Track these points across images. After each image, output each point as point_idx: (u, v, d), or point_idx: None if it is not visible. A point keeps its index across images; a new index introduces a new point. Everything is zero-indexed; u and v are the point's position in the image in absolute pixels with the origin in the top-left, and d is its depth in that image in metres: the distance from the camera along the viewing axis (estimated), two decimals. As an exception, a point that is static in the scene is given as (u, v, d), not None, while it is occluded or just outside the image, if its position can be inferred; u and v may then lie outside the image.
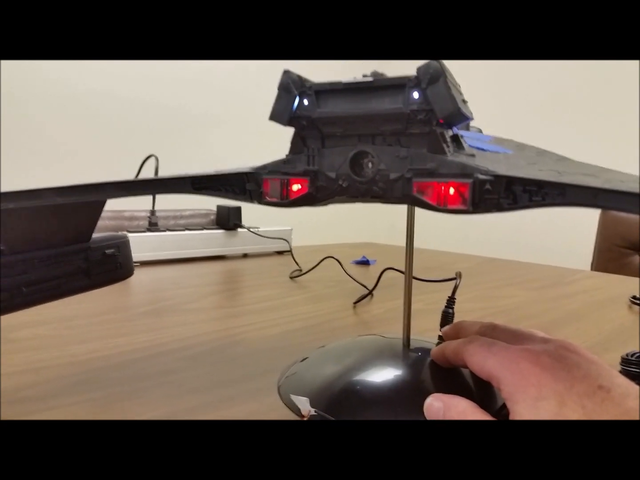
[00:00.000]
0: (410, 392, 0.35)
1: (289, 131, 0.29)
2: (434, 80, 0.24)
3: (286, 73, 0.27)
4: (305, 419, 0.32)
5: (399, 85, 0.25)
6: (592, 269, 1.51)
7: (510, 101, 2.23)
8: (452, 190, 0.24)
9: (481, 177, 0.24)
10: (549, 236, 2.07)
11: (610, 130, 1.91)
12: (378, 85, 0.25)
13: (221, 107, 2.19)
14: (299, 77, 0.27)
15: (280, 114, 0.27)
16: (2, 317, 0.36)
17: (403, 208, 0.41)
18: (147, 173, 1.03)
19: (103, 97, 1.87)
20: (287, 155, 0.29)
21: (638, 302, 0.70)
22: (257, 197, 0.29)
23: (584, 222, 1.64)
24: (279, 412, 0.35)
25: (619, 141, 1.87)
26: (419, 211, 0.36)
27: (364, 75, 0.26)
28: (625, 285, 0.89)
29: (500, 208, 0.24)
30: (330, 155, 0.28)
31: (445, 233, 2.19)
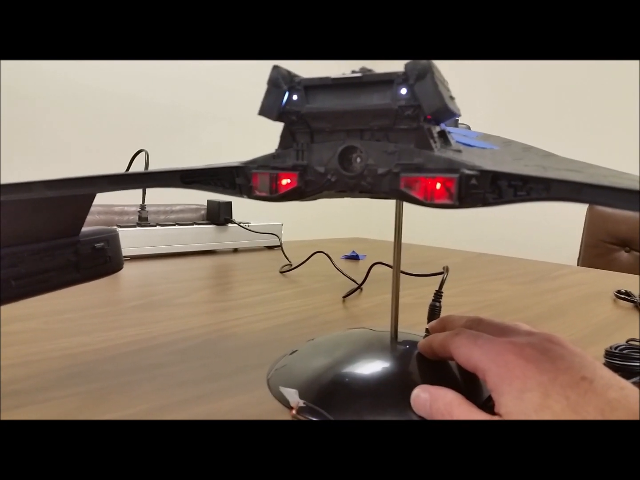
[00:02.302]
0: (398, 384, 0.35)
1: (279, 127, 0.29)
2: (421, 77, 0.24)
3: (275, 68, 0.27)
4: (293, 410, 0.33)
5: (387, 81, 0.25)
6: (578, 265, 1.53)
7: (499, 99, 2.24)
8: (438, 185, 0.25)
9: (467, 172, 0.24)
10: (536, 232, 2.09)
11: (607, 130, 1.93)
12: (366, 81, 0.26)
13: (212, 103, 2.19)
14: (288, 73, 0.27)
15: (270, 109, 0.28)
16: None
17: (392, 204, 0.42)
18: (138, 168, 1.03)
19: (95, 93, 1.86)
20: (276, 150, 0.29)
21: (623, 296, 0.71)
22: (247, 191, 0.30)
23: (571, 218, 1.66)
24: (268, 405, 0.35)
25: (617, 140, 1.88)
26: (408, 208, 0.36)
27: (353, 71, 0.26)
28: (610, 280, 0.90)
29: (485, 202, 0.24)
30: (319, 150, 0.28)
31: (434, 229, 2.20)
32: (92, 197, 0.38)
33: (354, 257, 1.07)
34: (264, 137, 1.60)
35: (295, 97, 0.27)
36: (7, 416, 0.32)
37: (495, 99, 2.24)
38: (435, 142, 0.26)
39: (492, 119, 2.15)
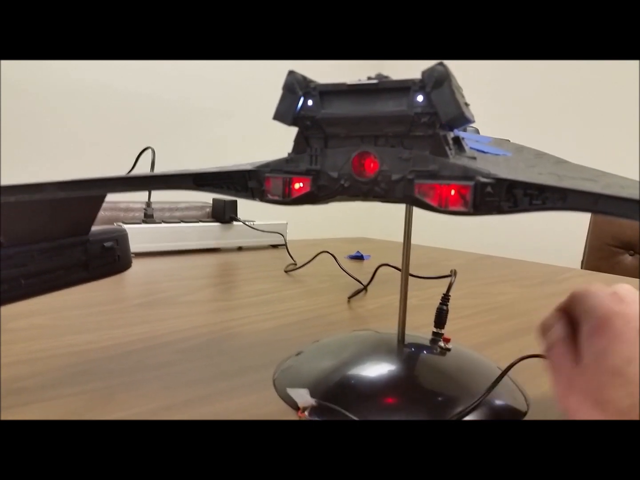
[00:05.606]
0: (404, 387, 0.35)
1: (289, 129, 0.29)
2: (438, 84, 0.24)
3: (291, 73, 0.27)
4: (305, 412, 0.33)
5: (404, 88, 0.25)
6: (582, 268, 1.53)
7: (503, 101, 2.23)
8: (453, 192, 0.25)
9: (483, 180, 0.24)
10: (540, 234, 2.08)
11: (608, 132, 1.92)
12: (382, 88, 0.26)
13: (216, 99, 2.18)
14: (304, 78, 0.27)
15: (285, 114, 0.28)
16: (1, 308, 0.36)
17: (397, 205, 0.41)
18: (144, 165, 1.03)
19: (102, 90, 1.85)
20: (289, 154, 0.29)
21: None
22: (259, 194, 0.30)
23: (575, 220, 1.65)
24: (274, 405, 0.35)
25: (618, 143, 1.88)
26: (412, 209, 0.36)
27: (369, 78, 0.26)
28: (616, 284, 0.89)
29: (500, 211, 0.24)
30: (333, 155, 0.28)
31: (437, 229, 2.20)
32: (103, 197, 0.38)
33: (359, 257, 1.07)
34: (269, 134, 1.60)
35: (310, 102, 0.27)
36: (14, 414, 0.33)
37: (494, 99, 2.23)
38: (450, 149, 0.26)
39: (492, 120, 2.14)
